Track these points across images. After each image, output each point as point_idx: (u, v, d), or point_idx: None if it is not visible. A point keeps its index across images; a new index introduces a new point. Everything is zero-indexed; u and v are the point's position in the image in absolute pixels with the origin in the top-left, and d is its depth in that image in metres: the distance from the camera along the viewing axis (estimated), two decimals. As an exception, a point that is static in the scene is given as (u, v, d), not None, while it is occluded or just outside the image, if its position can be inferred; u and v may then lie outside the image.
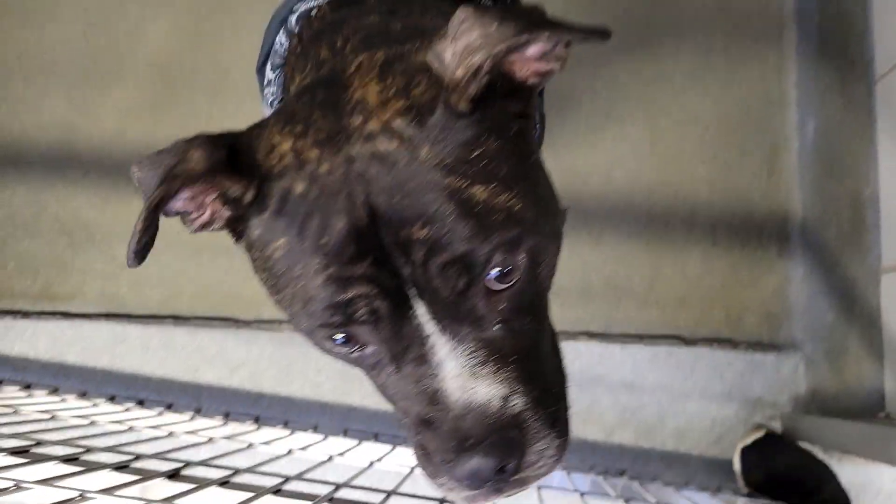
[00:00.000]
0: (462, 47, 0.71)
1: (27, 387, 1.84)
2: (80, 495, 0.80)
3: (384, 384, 0.79)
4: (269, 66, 1.17)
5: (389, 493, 1.02)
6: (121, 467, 1.00)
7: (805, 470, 1.63)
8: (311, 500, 0.96)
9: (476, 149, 0.72)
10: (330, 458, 1.28)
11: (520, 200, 0.73)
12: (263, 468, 1.10)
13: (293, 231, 0.73)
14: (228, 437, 1.37)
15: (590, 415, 1.85)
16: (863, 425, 1.41)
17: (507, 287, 0.73)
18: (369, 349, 0.77)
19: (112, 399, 1.82)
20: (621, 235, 1.92)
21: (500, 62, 0.72)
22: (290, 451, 1.32)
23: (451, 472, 0.71)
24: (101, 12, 2.22)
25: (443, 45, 0.73)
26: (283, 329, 1.96)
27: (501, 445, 0.70)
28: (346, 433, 1.70)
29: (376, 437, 1.71)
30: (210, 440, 1.33)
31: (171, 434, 1.33)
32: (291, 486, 1.02)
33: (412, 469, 1.23)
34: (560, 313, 1.96)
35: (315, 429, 1.70)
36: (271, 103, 1.18)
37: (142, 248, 0.75)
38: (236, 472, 1.04)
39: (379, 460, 1.32)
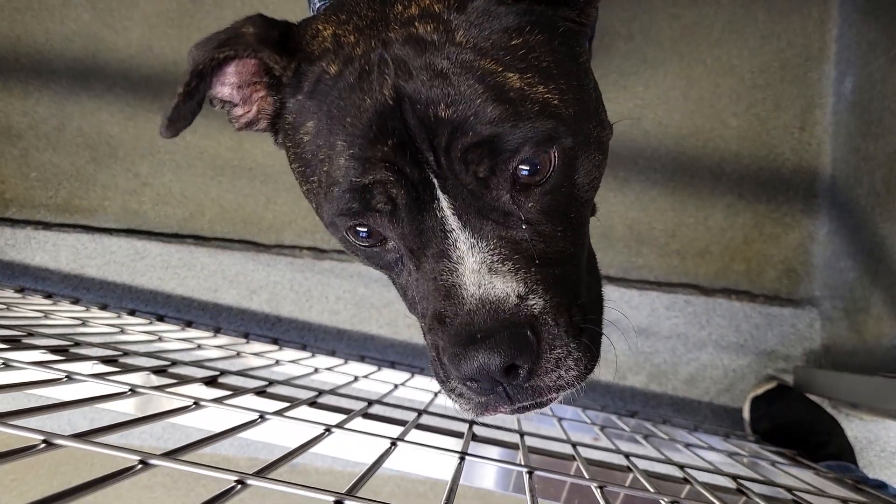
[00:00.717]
0: None
1: (48, 296, 1.85)
2: (131, 390, 0.82)
3: (404, 285, 0.77)
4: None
5: (420, 413, 1.03)
6: (159, 371, 1.02)
7: (814, 422, 1.66)
8: (345, 414, 0.97)
9: (516, 38, 0.71)
10: (356, 379, 1.30)
11: (559, 95, 0.71)
12: (295, 382, 1.12)
13: (323, 111, 0.73)
14: (256, 354, 1.38)
15: (603, 357, 1.85)
16: (878, 380, 1.43)
17: (538, 184, 0.71)
18: (391, 244, 0.75)
19: (132, 313, 1.84)
20: (646, 182, 1.91)
21: None
22: (315, 370, 1.33)
23: (458, 369, 0.67)
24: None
25: None
26: (303, 255, 1.96)
27: (512, 341, 0.66)
28: (363, 360, 1.73)
29: (393, 365, 1.73)
30: (238, 355, 1.35)
31: (199, 346, 1.35)
32: (324, 400, 1.03)
33: (436, 394, 1.25)
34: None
35: (333, 354, 1.72)
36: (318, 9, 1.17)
37: (178, 118, 0.75)
38: (271, 382, 1.06)
39: (403, 384, 1.34)
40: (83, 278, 2.03)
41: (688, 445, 1.23)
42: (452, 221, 0.70)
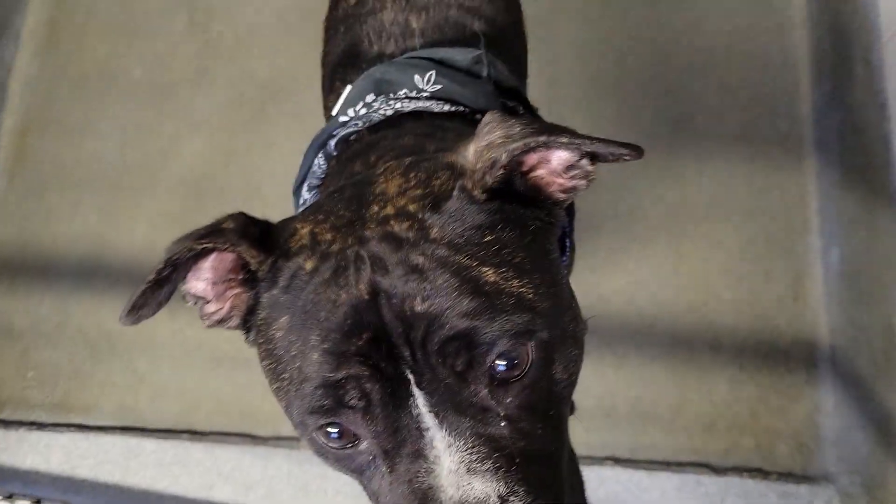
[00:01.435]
0: (484, 144, 0.76)
1: (37, 502, 1.80)
2: None
3: (377, 490, 0.73)
4: (305, 187, 1.20)
5: None
6: None
7: None
8: None
9: (489, 234, 0.73)
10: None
11: (533, 289, 0.71)
12: None
13: (297, 306, 0.73)
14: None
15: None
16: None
17: (515, 379, 0.69)
18: (363, 444, 0.72)
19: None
20: (645, 358, 1.90)
21: (519, 159, 0.75)
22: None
23: None
24: (138, 129, 2.31)
25: (468, 145, 0.78)
26: (300, 447, 1.92)
27: None
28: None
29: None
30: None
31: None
32: None
33: None
34: (585, 437, 1.92)
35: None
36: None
37: (142, 305, 0.76)
38: None
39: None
40: (74, 480, 1.97)
41: None
42: (429, 419, 0.68)
